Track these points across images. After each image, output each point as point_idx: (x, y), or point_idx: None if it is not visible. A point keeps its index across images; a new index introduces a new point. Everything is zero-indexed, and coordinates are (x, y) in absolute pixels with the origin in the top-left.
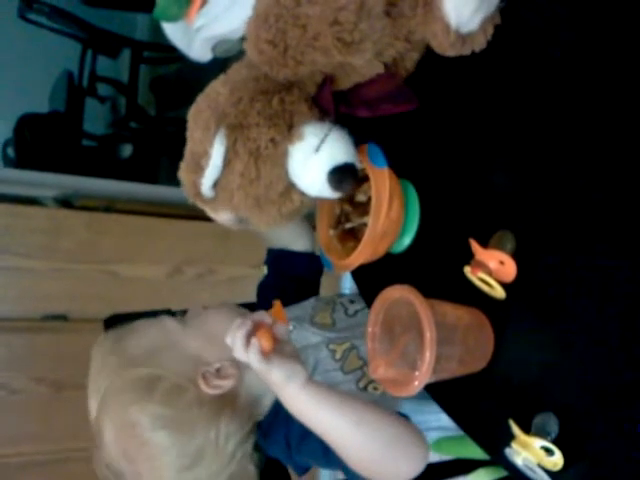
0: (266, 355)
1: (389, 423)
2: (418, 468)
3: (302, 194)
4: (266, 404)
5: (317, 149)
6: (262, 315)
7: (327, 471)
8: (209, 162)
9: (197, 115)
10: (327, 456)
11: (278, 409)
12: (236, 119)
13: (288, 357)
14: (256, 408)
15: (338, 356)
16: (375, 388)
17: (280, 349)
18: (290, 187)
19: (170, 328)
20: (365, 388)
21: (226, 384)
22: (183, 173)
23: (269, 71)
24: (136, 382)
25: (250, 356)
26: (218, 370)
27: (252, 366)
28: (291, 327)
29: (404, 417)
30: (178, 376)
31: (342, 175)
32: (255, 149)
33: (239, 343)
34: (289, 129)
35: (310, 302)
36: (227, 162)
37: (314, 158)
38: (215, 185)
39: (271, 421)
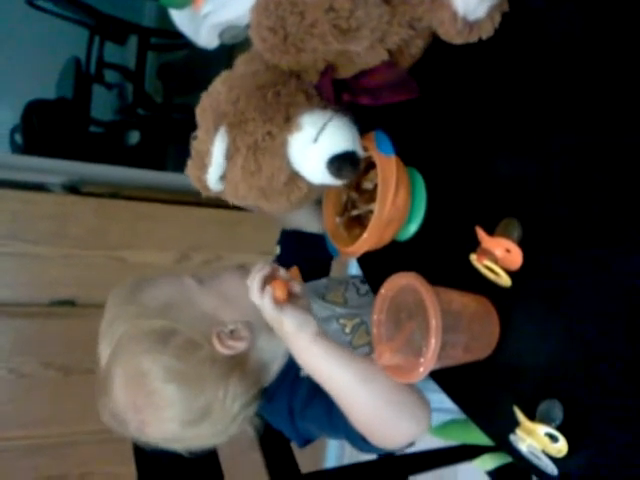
0: (279, 304)
1: (395, 384)
2: (419, 431)
3: (308, 181)
4: (274, 370)
5: (315, 139)
6: (281, 269)
7: (333, 451)
8: (211, 160)
9: (201, 114)
10: (331, 421)
11: (284, 377)
12: (235, 117)
13: (300, 308)
14: (264, 374)
15: (348, 330)
16: None
17: (294, 302)
18: (295, 176)
19: (188, 285)
20: None
21: (239, 345)
22: (190, 170)
23: (271, 58)
24: (151, 333)
25: (264, 301)
26: (232, 331)
27: (265, 313)
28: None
29: None
30: (193, 332)
31: (341, 164)
32: (253, 143)
33: (256, 286)
34: (286, 121)
35: (322, 282)
36: (230, 157)
37: (312, 148)
38: (221, 179)
39: (276, 388)
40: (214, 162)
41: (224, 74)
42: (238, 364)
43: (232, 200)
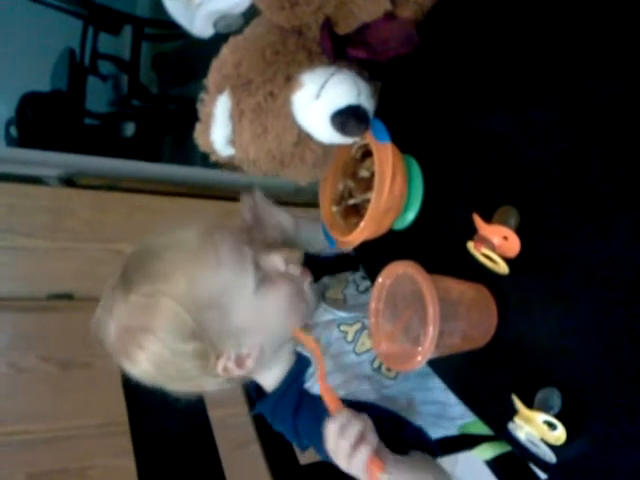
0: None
1: None
2: None
3: (320, 142)
4: (266, 379)
5: (317, 95)
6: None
7: None
8: (214, 122)
9: (209, 77)
10: None
11: (287, 387)
12: (238, 80)
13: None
14: (249, 376)
15: (350, 338)
16: (388, 369)
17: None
18: (305, 137)
19: (245, 285)
20: (379, 368)
21: (238, 373)
22: (198, 133)
23: (270, 16)
24: (178, 321)
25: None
26: (240, 356)
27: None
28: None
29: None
30: (212, 346)
31: (345, 118)
32: (256, 105)
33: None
34: (287, 80)
35: (323, 280)
36: (237, 121)
37: (315, 104)
38: (230, 143)
39: (279, 398)
40: (216, 123)
41: (231, 39)
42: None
43: (246, 166)
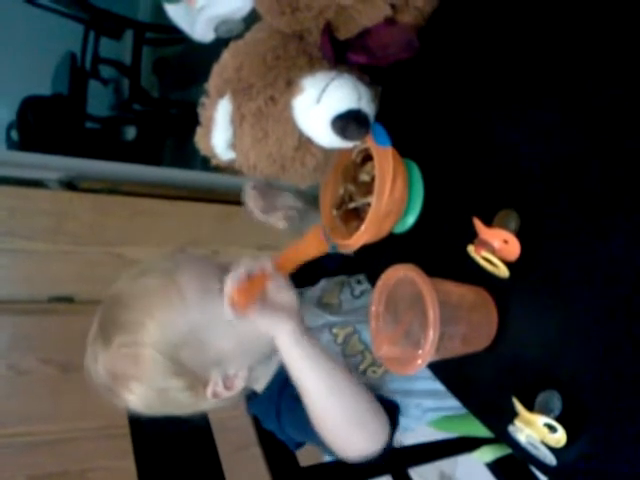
0: (243, 307)
1: (359, 400)
2: (372, 449)
3: (321, 147)
4: (260, 384)
5: (318, 100)
6: (263, 264)
7: None
8: (215, 126)
9: (210, 81)
10: (309, 427)
11: (273, 380)
12: (239, 84)
13: (273, 309)
14: (246, 389)
15: (340, 340)
16: (374, 372)
17: (269, 300)
18: (305, 141)
19: (217, 315)
20: (364, 372)
21: (229, 395)
22: (198, 137)
23: (271, 21)
24: (159, 371)
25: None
26: (227, 377)
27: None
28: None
29: (391, 403)
30: (195, 378)
31: (345, 123)
32: (257, 109)
33: (226, 292)
34: (287, 85)
35: (320, 284)
36: (238, 125)
37: (316, 109)
38: (231, 147)
39: (267, 391)
40: (217, 127)
41: (232, 44)
42: None
43: (246, 171)
